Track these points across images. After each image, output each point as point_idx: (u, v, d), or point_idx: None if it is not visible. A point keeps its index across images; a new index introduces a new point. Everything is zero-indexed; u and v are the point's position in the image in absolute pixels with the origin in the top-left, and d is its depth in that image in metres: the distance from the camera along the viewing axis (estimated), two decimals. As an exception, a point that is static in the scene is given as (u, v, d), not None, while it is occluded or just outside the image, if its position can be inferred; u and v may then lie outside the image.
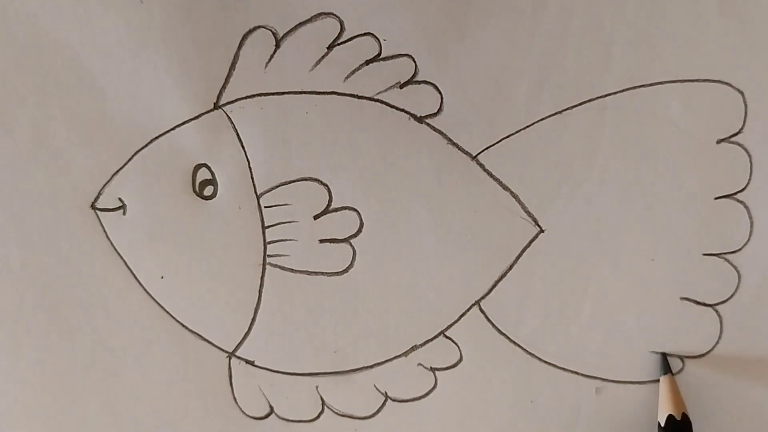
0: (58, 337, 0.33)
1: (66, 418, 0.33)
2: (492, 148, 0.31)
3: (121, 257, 0.32)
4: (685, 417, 0.30)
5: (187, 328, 0.33)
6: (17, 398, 0.33)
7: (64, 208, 0.32)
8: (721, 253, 0.32)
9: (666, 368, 0.32)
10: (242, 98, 0.31)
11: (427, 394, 0.33)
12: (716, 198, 0.32)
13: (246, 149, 0.31)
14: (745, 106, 0.31)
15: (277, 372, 0.33)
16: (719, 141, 0.31)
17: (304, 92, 0.31)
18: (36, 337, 0.32)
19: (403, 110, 0.31)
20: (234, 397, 0.33)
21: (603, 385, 0.33)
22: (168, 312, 0.33)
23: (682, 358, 0.33)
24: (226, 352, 0.33)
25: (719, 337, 0.32)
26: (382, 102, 0.31)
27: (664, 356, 0.32)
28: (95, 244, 0.32)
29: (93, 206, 0.32)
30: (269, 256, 0.32)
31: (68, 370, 0.33)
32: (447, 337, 0.33)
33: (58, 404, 0.33)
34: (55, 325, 0.32)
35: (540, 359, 0.33)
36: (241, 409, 0.33)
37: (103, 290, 0.32)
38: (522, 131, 0.31)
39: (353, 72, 0.31)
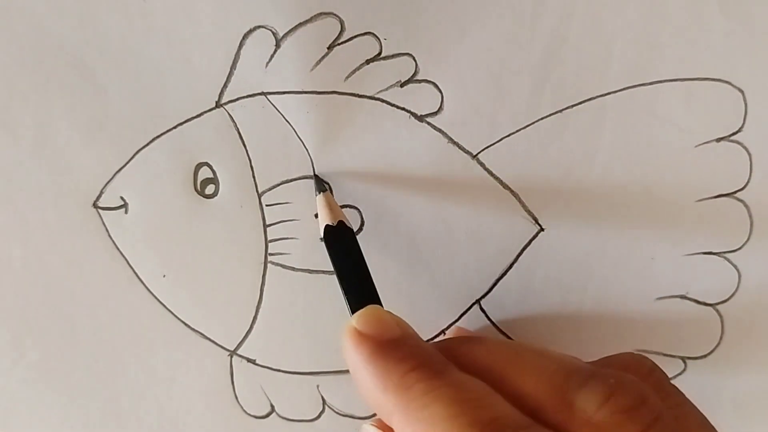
0: (60, 336, 0.33)
1: (68, 416, 0.33)
2: (492, 147, 0.31)
3: (123, 256, 0.32)
4: (342, 224, 0.29)
5: (188, 326, 0.33)
6: (19, 396, 0.33)
7: (66, 207, 0.32)
8: (721, 252, 0.32)
9: (320, 187, 0.31)
10: (243, 97, 0.31)
11: (427, 393, 0.33)
12: (716, 197, 0.32)
13: (247, 148, 0.31)
14: (745, 104, 0.31)
15: (279, 371, 0.33)
16: (719, 140, 0.31)
17: (305, 92, 0.31)
18: (38, 335, 0.33)
19: (403, 109, 0.31)
20: (235, 395, 0.33)
21: (603, 384, 0.33)
22: (170, 310, 0.33)
23: (683, 359, 0.33)
24: (228, 350, 0.33)
25: (720, 338, 0.32)
26: (382, 101, 0.31)
27: (317, 177, 0.31)
28: (97, 242, 0.32)
29: (95, 205, 0.32)
30: (271, 254, 0.32)
31: (70, 369, 0.33)
32: (448, 336, 0.33)
33: (61, 402, 0.33)
34: (57, 323, 0.33)
35: (540, 358, 0.33)
36: (242, 407, 0.33)
37: (104, 289, 0.32)
38: (522, 130, 0.31)
39: (354, 71, 0.31)
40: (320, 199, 0.31)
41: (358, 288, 0.28)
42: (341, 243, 0.29)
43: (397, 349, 0.24)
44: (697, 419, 0.25)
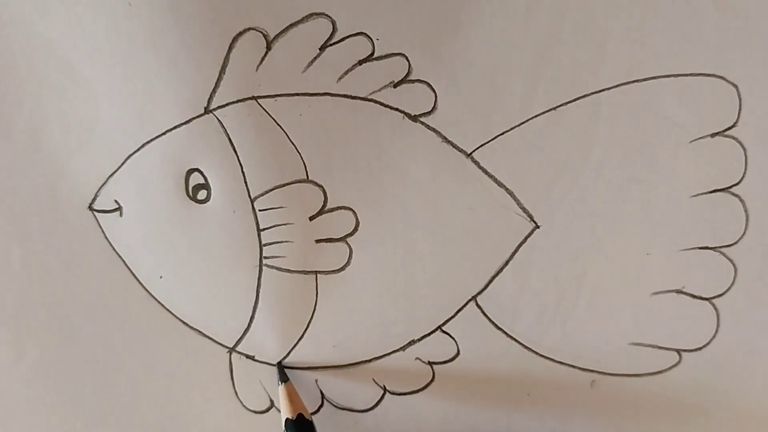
0: (60, 336, 0.33)
1: (69, 415, 0.33)
2: (487, 145, 0.31)
3: (120, 257, 0.32)
4: (301, 416, 0.32)
5: (187, 324, 0.33)
6: (20, 396, 0.33)
7: (62, 209, 0.32)
8: (717, 247, 0.32)
9: (282, 378, 0.33)
10: (234, 102, 0.30)
11: (424, 388, 0.33)
12: (711, 192, 0.31)
13: (238, 153, 0.31)
14: (740, 99, 0.31)
15: (277, 366, 0.33)
16: (714, 135, 0.31)
17: (297, 94, 0.30)
18: (38, 336, 0.33)
19: (397, 109, 0.31)
20: (235, 391, 0.34)
21: (599, 378, 0.33)
22: (168, 310, 0.33)
23: (678, 351, 0.33)
24: (227, 347, 0.33)
25: (716, 331, 0.32)
26: (375, 102, 0.31)
27: (280, 364, 0.33)
28: (94, 244, 0.32)
29: (90, 207, 0.32)
30: (265, 257, 0.32)
31: (70, 369, 0.33)
32: (444, 331, 0.33)
33: (61, 402, 0.33)
34: (56, 323, 0.33)
35: (536, 353, 0.33)
36: (242, 402, 0.34)
37: (103, 289, 0.33)
38: (516, 128, 0.31)
39: (346, 72, 0.30)
40: (281, 390, 0.32)
41: None
42: None
43: None
44: None
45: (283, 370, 0.33)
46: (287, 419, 0.31)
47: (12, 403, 0.33)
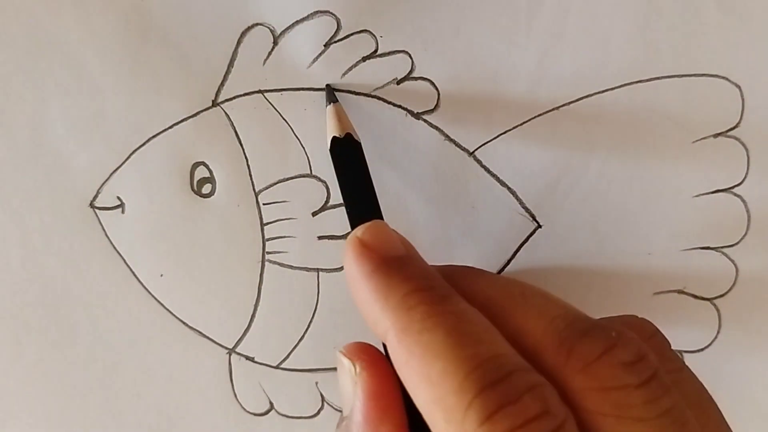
0: (59, 335, 0.33)
1: (67, 415, 0.33)
2: (489, 144, 0.31)
3: (121, 255, 0.32)
4: (350, 135, 0.29)
5: (186, 325, 0.33)
6: (18, 396, 0.33)
7: (63, 207, 0.32)
8: (718, 247, 0.32)
9: (331, 98, 0.30)
10: (240, 95, 0.31)
11: (426, 390, 0.33)
12: (714, 192, 0.32)
13: (244, 147, 0.31)
14: (743, 100, 0.31)
15: (277, 368, 0.33)
16: (716, 135, 0.31)
17: (302, 89, 0.31)
18: (36, 334, 0.33)
19: (399, 107, 0.31)
20: (234, 393, 0.33)
21: (601, 379, 0.33)
22: (168, 309, 0.33)
23: (680, 352, 0.33)
24: (226, 348, 0.33)
25: (718, 332, 0.32)
26: (378, 98, 0.31)
27: (329, 87, 0.31)
28: (94, 242, 0.32)
29: (92, 205, 0.32)
30: (268, 252, 0.32)
31: (69, 367, 0.33)
32: (446, 332, 0.33)
33: (59, 401, 0.33)
34: (55, 322, 0.33)
35: (539, 354, 0.33)
36: (241, 405, 0.33)
37: (102, 288, 0.32)
38: (519, 127, 0.31)
39: (350, 69, 0.31)
40: (330, 109, 0.30)
41: (362, 203, 0.27)
42: (348, 156, 0.28)
43: (402, 267, 0.24)
44: (695, 386, 0.24)
45: (331, 92, 0.31)
46: (334, 138, 0.29)
47: (9, 403, 0.33)
